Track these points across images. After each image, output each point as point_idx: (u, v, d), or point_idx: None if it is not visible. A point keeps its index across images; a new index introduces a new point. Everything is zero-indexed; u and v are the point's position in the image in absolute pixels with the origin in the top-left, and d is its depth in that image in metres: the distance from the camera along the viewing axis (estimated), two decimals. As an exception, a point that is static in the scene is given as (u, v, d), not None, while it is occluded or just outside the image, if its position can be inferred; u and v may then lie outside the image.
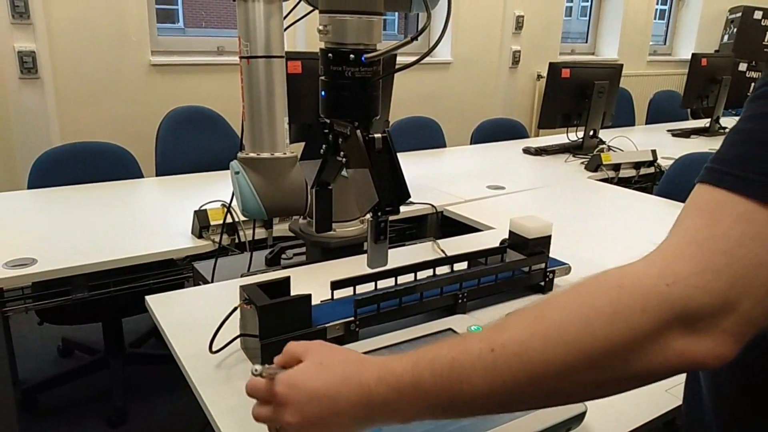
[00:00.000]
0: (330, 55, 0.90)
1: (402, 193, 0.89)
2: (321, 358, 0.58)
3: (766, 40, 5.54)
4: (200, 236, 1.59)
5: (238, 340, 0.94)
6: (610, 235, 1.66)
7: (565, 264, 1.26)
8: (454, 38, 4.26)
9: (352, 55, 0.89)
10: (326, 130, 0.95)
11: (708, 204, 0.48)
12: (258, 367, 0.59)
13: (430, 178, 2.31)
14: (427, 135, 3.10)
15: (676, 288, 0.44)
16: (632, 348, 0.45)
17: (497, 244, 1.28)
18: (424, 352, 0.52)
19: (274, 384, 0.58)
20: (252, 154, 1.24)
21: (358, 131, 0.88)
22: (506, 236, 1.27)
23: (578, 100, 2.96)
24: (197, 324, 1.03)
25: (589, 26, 5.38)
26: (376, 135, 0.89)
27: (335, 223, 1.36)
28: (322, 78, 0.92)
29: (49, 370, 2.35)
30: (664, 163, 2.53)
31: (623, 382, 0.47)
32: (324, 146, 0.98)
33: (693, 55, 3.53)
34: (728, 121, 3.69)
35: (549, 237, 1.22)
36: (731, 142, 0.50)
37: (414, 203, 1.90)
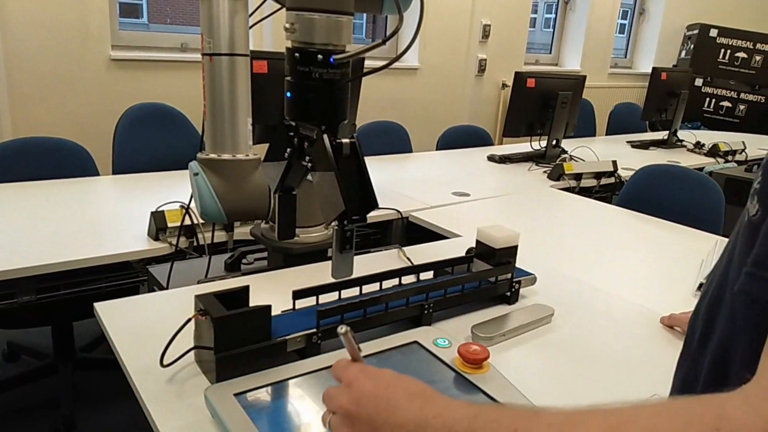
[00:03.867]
0: (297, 54, 0.87)
1: (370, 202, 0.86)
2: (398, 374, 0.61)
3: (721, 57, 5.72)
4: (157, 238, 1.53)
5: (192, 352, 0.90)
6: (572, 244, 1.66)
7: (531, 274, 1.25)
8: (422, 44, 4.26)
9: (320, 56, 0.85)
10: (291, 133, 0.91)
11: None
12: (345, 326, 0.63)
13: (395, 183, 2.29)
14: (393, 140, 3.08)
15: None
16: None
17: (462, 253, 1.26)
18: (489, 409, 0.50)
19: (349, 366, 0.62)
20: (212, 155, 1.19)
21: (325, 135, 0.85)
22: (471, 244, 1.25)
23: (542, 110, 2.98)
24: (149, 334, 0.98)
25: (553, 38, 5.46)
26: (344, 140, 0.86)
27: (299, 228, 1.33)
28: (288, 79, 0.88)
29: (-8, 375, 2.23)
30: (624, 173, 2.57)
31: None
32: (288, 149, 0.94)
33: (653, 68, 3.61)
34: (685, 134, 3.79)
35: (515, 247, 1.21)
36: None
37: (379, 208, 1.87)
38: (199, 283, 1.26)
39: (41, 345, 2.24)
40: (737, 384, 0.55)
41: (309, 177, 0.97)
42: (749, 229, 0.53)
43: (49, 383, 2.12)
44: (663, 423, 0.42)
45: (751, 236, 0.53)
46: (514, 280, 1.20)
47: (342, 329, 0.63)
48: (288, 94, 0.89)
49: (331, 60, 0.85)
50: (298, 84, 0.88)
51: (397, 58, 0.83)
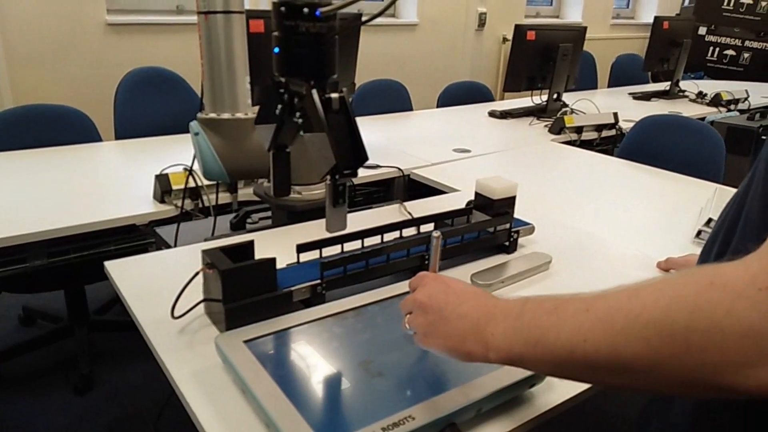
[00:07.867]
0: (282, 8, 0.87)
1: (360, 156, 0.88)
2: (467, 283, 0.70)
3: (725, 4, 5.60)
4: (162, 201, 1.56)
5: (202, 305, 0.93)
6: (573, 196, 1.68)
7: (529, 224, 1.28)
8: (420, -1, 4.19)
9: (305, 9, 0.85)
10: (282, 90, 0.92)
11: None
12: (438, 231, 0.74)
13: (396, 141, 2.30)
14: (393, 98, 3.07)
15: None
16: (709, 347, 0.42)
17: (463, 206, 1.28)
18: (535, 297, 0.59)
19: (425, 274, 0.71)
20: (212, 115, 1.21)
21: (314, 91, 0.86)
22: (472, 198, 1.27)
23: (543, 63, 2.96)
24: (159, 289, 1.01)
25: (555, -12, 5.36)
26: (332, 95, 0.87)
27: (301, 186, 1.35)
28: (275, 34, 0.89)
29: (10, 339, 2.29)
30: (625, 125, 2.57)
31: (689, 385, 0.45)
32: (279, 107, 0.95)
33: (655, 18, 3.56)
34: (687, 84, 3.75)
35: (514, 197, 1.23)
36: None
37: (381, 166, 1.89)
38: (205, 241, 1.30)
39: (56, 309, 2.30)
40: None
41: (302, 133, 0.98)
42: None
43: (65, 345, 2.19)
44: (666, 285, 0.47)
45: None
46: (513, 229, 1.23)
47: (436, 233, 0.73)
48: (276, 50, 0.90)
49: (318, 13, 0.85)
50: (285, 39, 0.88)
51: (389, 6, 0.84)
